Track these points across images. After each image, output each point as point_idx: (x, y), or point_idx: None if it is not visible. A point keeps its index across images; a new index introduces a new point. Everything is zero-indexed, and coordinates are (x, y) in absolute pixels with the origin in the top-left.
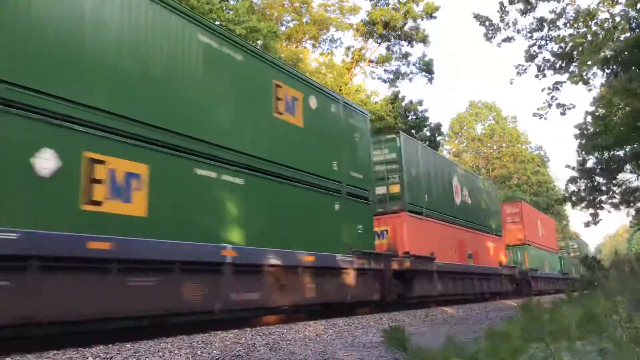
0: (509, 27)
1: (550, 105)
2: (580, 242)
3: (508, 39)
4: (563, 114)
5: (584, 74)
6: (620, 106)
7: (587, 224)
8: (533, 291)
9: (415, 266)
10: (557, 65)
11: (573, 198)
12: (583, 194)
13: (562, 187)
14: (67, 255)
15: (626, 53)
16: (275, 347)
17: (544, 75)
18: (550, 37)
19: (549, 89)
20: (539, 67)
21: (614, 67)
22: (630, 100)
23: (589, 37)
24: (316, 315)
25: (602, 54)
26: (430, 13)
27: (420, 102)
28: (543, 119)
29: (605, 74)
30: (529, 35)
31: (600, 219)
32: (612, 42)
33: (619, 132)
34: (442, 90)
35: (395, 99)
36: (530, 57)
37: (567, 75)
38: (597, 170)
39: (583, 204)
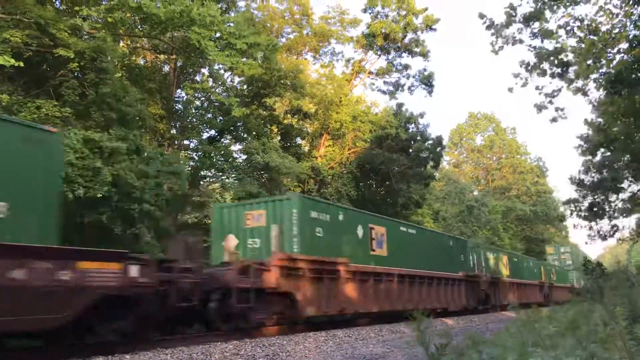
0: (512, 39)
1: (545, 108)
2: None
3: (507, 42)
4: (554, 120)
5: (581, 84)
6: (619, 115)
7: (603, 237)
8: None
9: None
10: (555, 73)
11: (575, 211)
12: (585, 211)
13: (561, 196)
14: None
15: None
16: (275, 359)
17: (544, 86)
18: (553, 50)
19: (545, 95)
20: (537, 87)
21: (617, 86)
22: None
23: (588, 48)
24: (316, 326)
25: (600, 63)
26: (430, 25)
27: (421, 115)
28: (537, 113)
29: (603, 87)
30: (530, 46)
31: (616, 229)
32: (611, 53)
33: (624, 145)
34: (438, 99)
35: (399, 109)
36: (532, 68)
37: (564, 84)
38: (603, 183)
39: (587, 218)
